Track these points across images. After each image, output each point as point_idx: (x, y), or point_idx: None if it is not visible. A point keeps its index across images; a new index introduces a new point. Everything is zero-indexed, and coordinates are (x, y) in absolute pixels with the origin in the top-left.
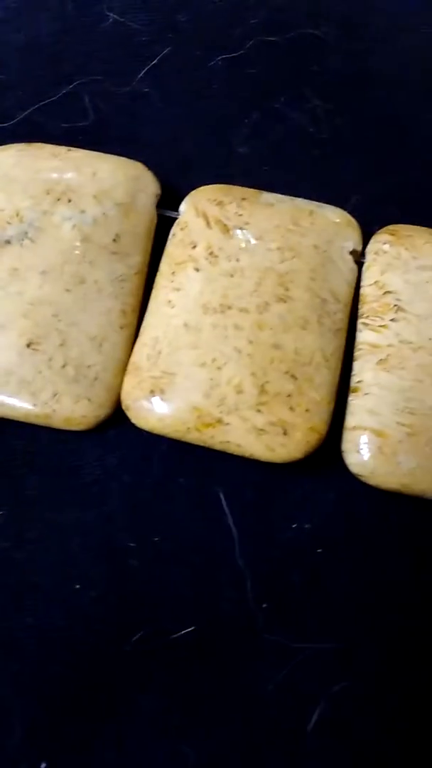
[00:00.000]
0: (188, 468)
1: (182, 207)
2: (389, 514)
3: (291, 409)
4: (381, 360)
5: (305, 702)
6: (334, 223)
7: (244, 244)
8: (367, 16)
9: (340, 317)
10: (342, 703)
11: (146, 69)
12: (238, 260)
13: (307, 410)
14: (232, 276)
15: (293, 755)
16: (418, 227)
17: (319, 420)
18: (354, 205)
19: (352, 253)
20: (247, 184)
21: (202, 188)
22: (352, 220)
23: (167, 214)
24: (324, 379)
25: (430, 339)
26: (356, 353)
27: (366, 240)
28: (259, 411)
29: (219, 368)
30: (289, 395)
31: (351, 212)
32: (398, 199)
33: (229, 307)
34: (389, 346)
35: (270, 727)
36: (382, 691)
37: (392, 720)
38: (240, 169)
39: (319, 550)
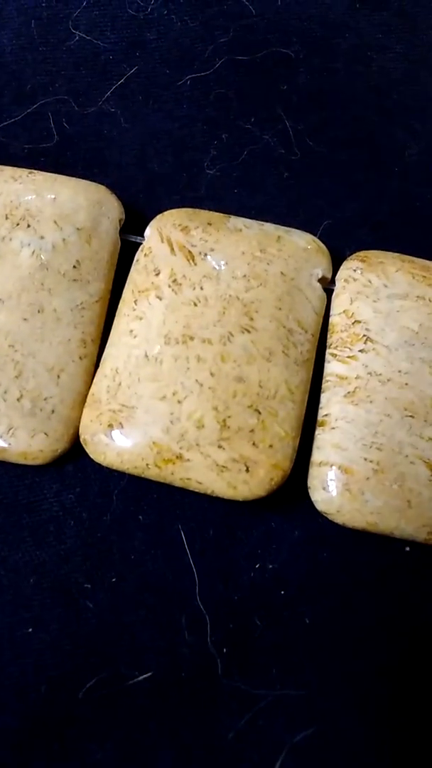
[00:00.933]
0: (148, 505)
1: (147, 232)
2: (356, 553)
3: (254, 444)
4: (349, 392)
5: (267, 751)
6: (302, 249)
7: (208, 271)
8: (338, 35)
9: (307, 348)
10: (305, 752)
11: (113, 88)
12: (202, 288)
13: (270, 446)
14: (195, 305)
15: None
16: (390, 253)
17: (283, 456)
18: (325, 229)
19: (321, 280)
20: (216, 207)
21: (167, 212)
22: (322, 246)
23: (132, 239)
24: (289, 413)
25: (399, 371)
26: (324, 385)
27: (336, 266)
28: (220, 447)
29: (179, 402)
30: (251, 430)
31: (322, 236)
32: (371, 223)
33: (192, 338)
34: (357, 378)
35: None
36: (346, 739)
37: None
38: (209, 191)
39: (282, 592)
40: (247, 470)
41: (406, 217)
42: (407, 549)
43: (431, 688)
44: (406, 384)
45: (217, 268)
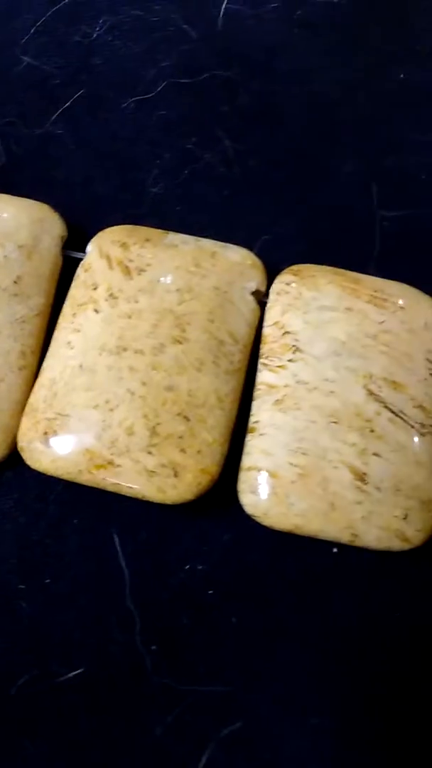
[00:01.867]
0: (83, 508)
1: (88, 248)
2: (284, 555)
3: (182, 450)
4: (277, 400)
5: (194, 746)
6: (236, 263)
7: (144, 285)
8: (276, 59)
9: (238, 358)
10: (231, 747)
11: (59, 111)
12: (137, 302)
13: (198, 452)
14: (129, 317)
15: None
16: (323, 267)
17: (211, 461)
18: (263, 245)
19: (255, 293)
20: (159, 224)
21: (108, 229)
22: (256, 260)
23: (74, 256)
24: (217, 421)
25: (326, 380)
26: (255, 393)
27: (272, 280)
28: (150, 453)
29: (111, 410)
30: (180, 437)
31: (260, 251)
32: (308, 239)
33: (125, 349)
34: (286, 386)
35: None
36: (270, 734)
37: (281, 763)
38: (152, 209)
39: (210, 592)
40: (176, 475)
41: (343, 232)
42: (335, 550)
43: (353, 683)
44: (332, 392)
45: (153, 282)
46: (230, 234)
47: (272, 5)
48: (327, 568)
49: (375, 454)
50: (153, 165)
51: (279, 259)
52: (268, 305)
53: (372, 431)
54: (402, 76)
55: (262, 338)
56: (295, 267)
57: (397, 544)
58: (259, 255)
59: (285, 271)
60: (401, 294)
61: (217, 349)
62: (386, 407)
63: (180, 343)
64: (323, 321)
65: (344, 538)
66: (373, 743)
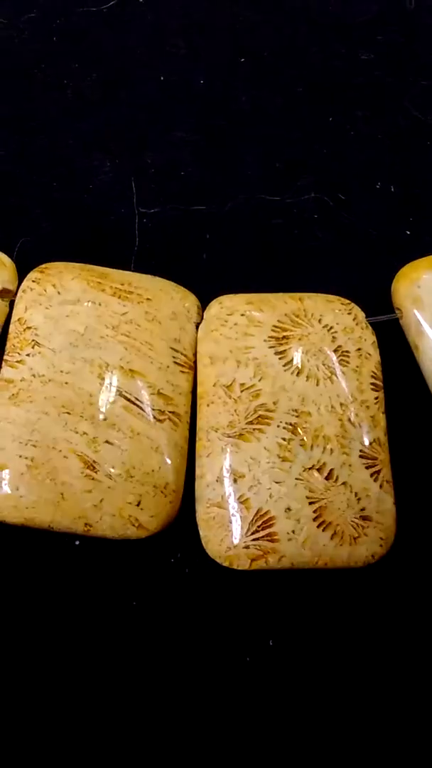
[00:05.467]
0: None
1: None
2: (28, 550)
3: None
4: (13, 395)
5: None
6: None
7: None
8: (34, 66)
9: None
10: None
11: None
12: None
13: None
14: None
15: None
16: (71, 264)
17: None
18: (23, 247)
19: (2, 292)
20: None
21: None
22: (5, 260)
23: None
24: None
25: (61, 371)
26: None
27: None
28: None
29: None
30: None
31: (19, 253)
32: (69, 239)
33: None
34: (22, 380)
35: None
36: None
37: None
38: None
39: None
40: None
41: (103, 231)
42: (77, 543)
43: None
44: (66, 383)
45: None
46: None
47: (29, 15)
48: (70, 561)
49: (107, 442)
50: None
51: (39, 260)
52: (15, 303)
53: (105, 419)
54: (162, 78)
55: (8, 336)
56: (44, 265)
57: (132, 532)
58: (18, 256)
59: (34, 270)
60: (150, 286)
61: None
62: (121, 395)
63: None
64: (63, 315)
65: (78, 528)
66: None
